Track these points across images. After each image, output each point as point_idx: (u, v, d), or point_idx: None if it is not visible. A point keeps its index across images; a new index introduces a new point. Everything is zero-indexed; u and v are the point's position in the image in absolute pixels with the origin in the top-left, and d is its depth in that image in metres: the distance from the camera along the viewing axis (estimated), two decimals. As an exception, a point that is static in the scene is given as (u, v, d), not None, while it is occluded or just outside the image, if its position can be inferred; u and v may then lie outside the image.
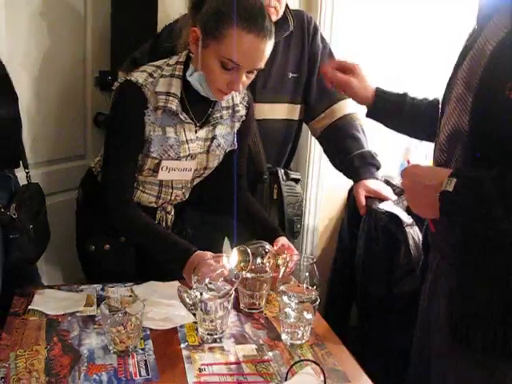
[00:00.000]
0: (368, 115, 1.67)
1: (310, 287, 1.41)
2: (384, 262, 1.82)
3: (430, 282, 1.33)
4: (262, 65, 1.47)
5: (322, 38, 2.03)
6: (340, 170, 2.05)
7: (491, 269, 1.10)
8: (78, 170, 2.01)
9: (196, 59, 1.50)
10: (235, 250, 1.48)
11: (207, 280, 1.39)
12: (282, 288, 1.39)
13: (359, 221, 1.96)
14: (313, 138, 2.20)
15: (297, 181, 2.14)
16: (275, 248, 1.56)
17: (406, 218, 1.76)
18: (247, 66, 1.44)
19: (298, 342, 1.35)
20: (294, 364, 1.17)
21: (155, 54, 1.83)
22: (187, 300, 1.38)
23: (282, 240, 1.62)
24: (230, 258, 1.44)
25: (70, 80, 2.36)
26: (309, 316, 1.35)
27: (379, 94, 1.62)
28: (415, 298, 1.66)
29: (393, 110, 1.60)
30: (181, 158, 1.63)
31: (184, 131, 1.61)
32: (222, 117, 1.65)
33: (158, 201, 1.73)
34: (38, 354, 1.25)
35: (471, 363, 1.16)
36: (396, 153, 2.48)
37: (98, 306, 1.46)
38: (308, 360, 1.21)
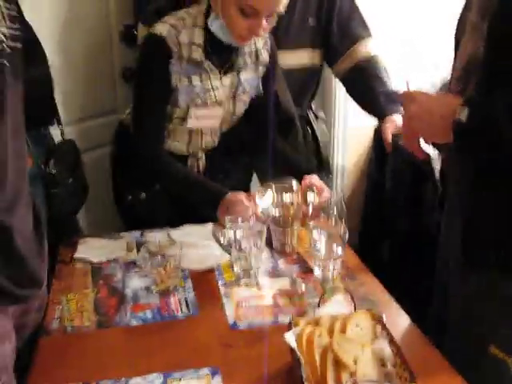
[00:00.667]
0: None
1: (338, 221, 1.44)
2: (411, 196, 1.85)
3: (446, 212, 1.35)
4: (280, 8, 1.49)
5: None
6: (365, 109, 2.05)
7: (503, 195, 1.10)
8: (110, 126, 2.05)
9: (216, 8, 1.53)
10: (263, 188, 1.54)
11: (240, 220, 1.45)
12: (311, 224, 1.44)
13: (386, 157, 1.99)
14: (337, 79, 2.21)
15: (323, 121, 2.18)
16: (304, 184, 1.61)
17: (432, 152, 1.76)
18: (266, 10, 1.46)
19: (330, 275, 1.39)
20: (325, 293, 1.22)
21: (178, 2, 1.84)
22: (222, 240, 1.44)
23: (312, 177, 1.65)
24: (264, 197, 1.50)
25: (95, 36, 2.38)
26: (339, 249, 1.39)
27: None
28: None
29: None
30: (208, 105, 1.67)
31: (209, 79, 1.64)
32: (245, 62, 1.68)
33: (189, 148, 1.78)
34: (87, 296, 1.34)
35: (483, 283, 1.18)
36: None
37: (138, 251, 1.53)
38: (337, 287, 1.26)
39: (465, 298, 1.20)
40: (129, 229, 1.79)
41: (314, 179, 1.64)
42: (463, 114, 1.03)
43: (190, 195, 1.64)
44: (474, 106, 1.03)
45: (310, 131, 2.13)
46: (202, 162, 1.83)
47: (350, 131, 2.50)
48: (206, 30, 1.58)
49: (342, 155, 2.53)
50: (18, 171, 1.02)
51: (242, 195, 1.53)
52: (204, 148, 1.81)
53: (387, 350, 1.00)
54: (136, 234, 1.65)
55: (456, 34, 1.26)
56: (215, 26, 1.56)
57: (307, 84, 2.10)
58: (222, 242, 1.44)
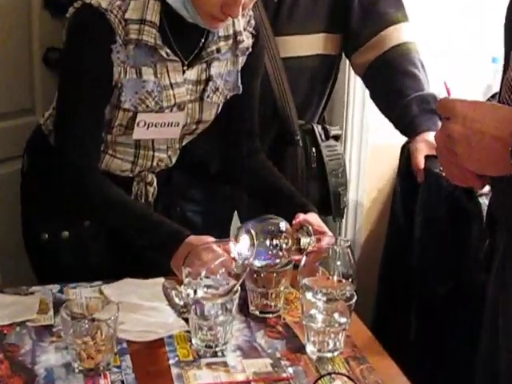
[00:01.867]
0: None
1: (343, 280, 1.50)
2: (450, 245, 1.94)
3: (497, 268, 1.41)
4: None
5: None
6: (391, 121, 2.15)
7: None
8: (24, 130, 2.09)
9: None
10: (239, 230, 1.59)
11: (204, 273, 1.49)
12: (305, 282, 1.49)
13: (417, 190, 2.05)
14: (352, 78, 2.35)
15: (337, 138, 2.27)
16: (295, 224, 1.66)
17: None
18: None
19: (329, 355, 1.45)
20: (320, 377, 1.27)
21: None
22: (177, 301, 1.47)
23: (309, 215, 1.71)
24: (239, 243, 1.55)
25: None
26: (342, 319, 1.45)
27: None
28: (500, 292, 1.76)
29: None
30: (164, 108, 1.72)
31: (167, 72, 1.69)
32: (218, 50, 1.73)
33: (134, 168, 1.83)
34: None
35: None
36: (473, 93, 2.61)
37: (56, 312, 1.57)
38: (340, 373, 1.31)
39: None
40: (43, 280, 1.83)
41: (310, 218, 1.70)
42: None
43: (134, 235, 1.68)
44: None
45: (314, 152, 2.20)
46: (152, 188, 1.88)
47: (368, 153, 2.62)
48: (164, 4, 1.63)
49: (356, 187, 2.64)
50: None
51: (208, 239, 1.57)
52: (156, 168, 1.87)
53: None
54: (53, 288, 1.69)
55: (508, 26, 1.33)
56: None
57: (318, 82, 2.21)
58: (176, 304, 1.48)
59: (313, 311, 1.46)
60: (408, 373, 1.43)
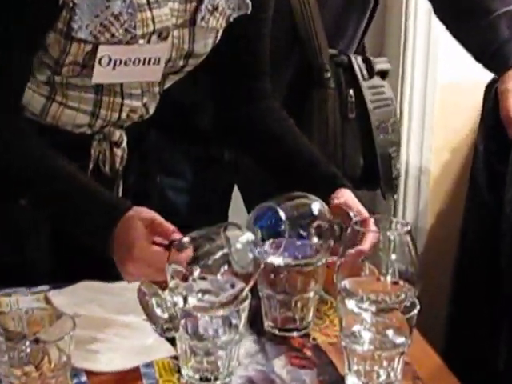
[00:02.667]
0: None
1: (400, 281, 1.52)
2: None
3: None
4: None
5: None
6: (469, 49, 2.18)
7: None
8: None
9: None
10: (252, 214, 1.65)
11: (197, 272, 1.51)
12: (345, 285, 1.51)
13: (508, 149, 2.08)
14: None
15: (385, 75, 2.31)
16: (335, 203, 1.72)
17: None
18: None
19: None
20: None
21: None
22: (159, 312, 1.49)
23: (344, 194, 1.76)
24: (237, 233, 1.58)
25: None
26: (399, 339, 1.47)
27: None
28: None
29: None
30: (137, 38, 1.74)
31: None
32: None
33: (94, 122, 1.87)
34: None
35: None
36: None
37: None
38: None
39: None
40: None
41: (349, 197, 1.77)
42: None
43: (64, 217, 1.72)
44: None
45: (353, 96, 2.24)
46: (120, 150, 1.93)
47: (435, 96, 2.64)
48: None
49: (419, 146, 2.67)
50: None
51: (151, 215, 1.62)
52: (126, 121, 1.92)
53: None
54: None
55: None
56: None
57: None
58: (158, 318, 1.49)
59: (357, 327, 1.48)
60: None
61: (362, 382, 1.49)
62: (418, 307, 1.50)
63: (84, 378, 1.50)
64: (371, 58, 2.31)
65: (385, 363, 1.47)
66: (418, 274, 1.54)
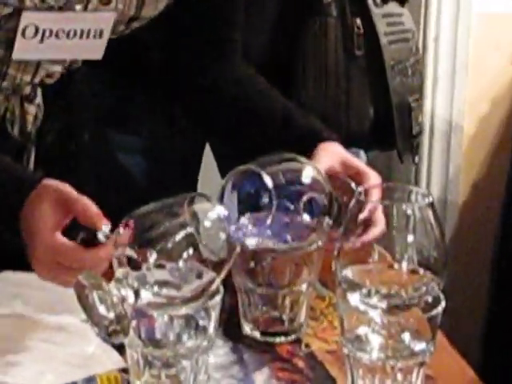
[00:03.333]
0: None
1: (420, 269, 1.56)
2: None
3: None
4: None
5: None
6: None
7: None
8: None
9: None
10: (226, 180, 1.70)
11: (153, 257, 1.55)
12: (347, 274, 1.55)
13: None
14: None
15: (403, 1, 2.36)
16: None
17: None
18: None
19: None
20: None
21: None
22: (102, 311, 1.53)
23: (334, 149, 1.84)
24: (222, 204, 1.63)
25: None
26: (419, 345, 1.52)
27: None
28: None
29: None
30: (73, 2, 1.81)
31: None
32: None
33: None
34: None
35: None
36: None
37: None
38: None
39: None
40: None
41: (342, 153, 1.86)
42: None
43: None
44: None
45: (361, 27, 2.30)
46: (33, 109, 2.00)
47: (470, 29, 2.69)
48: None
49: (449, 97, 2.71)
50: None
51: (65, 191, 1.67)
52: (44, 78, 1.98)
53: None
54: None
55: None
56: None
57: None
58: (102, 318, 1.54)
59: (363, 330, 1.53)
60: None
61: None
62: (444, 304, 1.53)
63: None
64: None
65: (400, 377, 1.51)
66: (443, 259, 1.57)
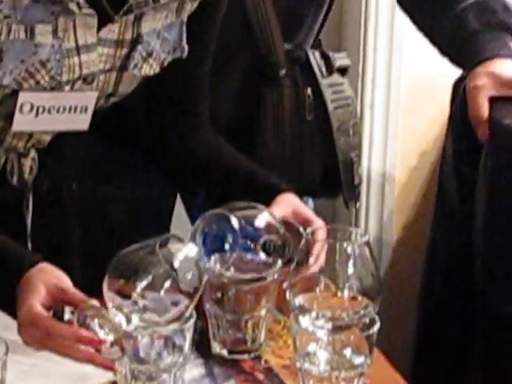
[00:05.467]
0: None
1: (359, 296, 1.62)
2: None
3: None
4: None
5: None
6: (434, 42, 2.27)
7: None
8: None
9: None
10: (197, 225, 1.75)
11: (140, 286, 1.59)
12: (299, 301, 1.61)
13: (478, 152, 2.15)
14: None
15: (345, 72, 2.40)
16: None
17: None
18: None
19: None
20: None
21: None
22: (102, 335, 1.57)
23: (288, 200, 1.87)
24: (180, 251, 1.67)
25: None
26: (358, 358, 1.57)
27: None
28: None
29: None
30: (62, 84, 1.86)
31: (74, 29, 1.81)
32: None
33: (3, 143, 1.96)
34: None
35: None
36: None
37: None
38: None
39: None
40: None
41: (294, 202, 1.89)
42: None
43: None
44: None
45: (311, 97, 2.33)
46: (29, 162, 2.02)
47: (401, 93, 2.74)
48: None
49: (383, 150, 2.77)
50: None
51: (44, 283, 1.63)
52: (39, 144, 2.02)
53: None
54: None
55: None
56: None
57: None
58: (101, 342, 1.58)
59: (312, 347, 1.58)
60: None
61: None
62: (379, 324, 1.58)
63: None
64: (329, 53, 2.38)
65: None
66: (378, 287, 1.62)
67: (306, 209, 1.89)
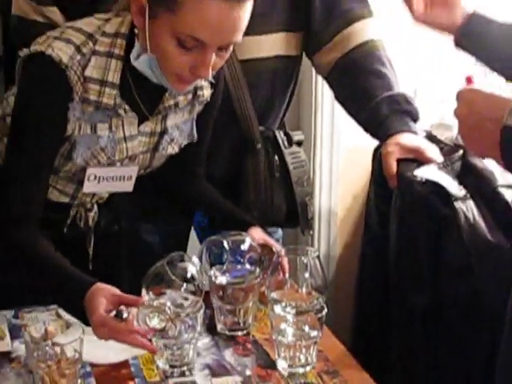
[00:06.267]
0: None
1: (312, 292, 1.77)
2: (426, 255, 2.13)
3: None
4: (238, 37, 1.72)
5: None
6: (360, 124, 2.33)
7: None
8: None
9: (143, 36, 1.72)
10: (204, 245, 1.92)
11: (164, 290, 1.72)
12: (273, 296, 1.75)
13: (391, 196, 2.22)
14: (319, 79, 2.54)
15: (300, 144, 2.44)
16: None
17: (457, 189, 2.05)
18: (215, 41, 1.68)
19: (301, 370, 1.70)
20: None
21: None
22: (153, 323, 1.66)
23: (256, 231, 2.00)
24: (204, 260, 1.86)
25: None
26: (313, 332, 1.70)
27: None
28: (478, 304, 2.02)
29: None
30: (115, 162, 1.93)
31: (122, 126, 1.89)
32: (177, 105, 1.94)
33: (72, 201, 2.06)
34: None
35: None
36: (447, 94, 2.71)
37: (13, 339, 1.81)
38: None
39: None
40: None
41: (258, 233, 2.01)
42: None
43: (49, 287, 1.84)
44: None
45: (277, 160, 2.37)
46: (92, 214, 2.14)
47: (339, 158, 2.81)
48: (127, 64, 1.79)
49: (329, 194, 2.85)
50: None
51: (98, 295, 1.69)
52: (99, 200, 2.13)
53: None
54: (7, 313, 1.92)
55: None
56: (141, 61, 1.76)
57: (278, 85, 2.39)
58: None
59: (282, 325, 1.70)
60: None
61: (288, 364, 1.70)
62: (326, 310, 1.72)
63: (89, 369, 1.71)
64: (290, 132, 2.41)
65: (303, 350, 1.69)
66: (325, 286, 1.77)
67: (269, 237, 2.01)
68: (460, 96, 1.50)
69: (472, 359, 2.06)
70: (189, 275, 1.74)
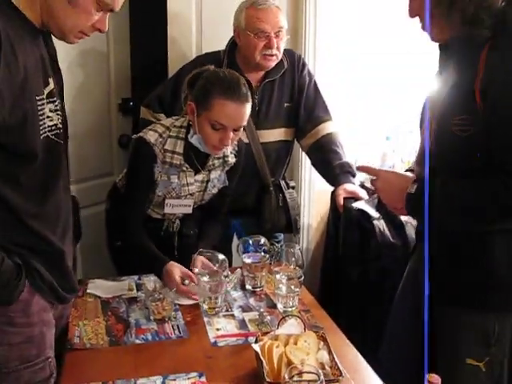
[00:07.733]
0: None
1: (297, 268, 1.85)
2: (358, 248, 2.20)
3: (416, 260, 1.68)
4: (243, 123, 1.80)
5: (309, 73, 2.36)
6: (324, 178, 2.38)
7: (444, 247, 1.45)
8: (106, 186, 2.28)
9: (194, 125, 1.84)
10: (240, 243, 1.97)
11: (197, 270, 1.80)
12: (275, 269, 1.83)
13: (339, 217, 2.25)
14: (303, 152, 2.54)
15: (293, 187, 2.49)
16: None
17: (374, 213, 2.13)
18: (232, 125, 1.79)
19: (289, 309, 1.77)
20: (283, 317, 1.59)
21: (176, 95, 2.16)
22: (196, 289, 1.77)
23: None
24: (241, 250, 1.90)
25: (97, 106, 2.70)
26: (296, 289, 1.78)
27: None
28: (384, 275, 2.06)
29: None
30: (182, 196, 1.96)
31: (185, 176, 1.94)
32: (214, 165, 1.99)
33: (163, 217, 2.08)
34: (99, 323, 1.71)
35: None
36: (373, 159, 2.85)
37: (138, 290, 1.90)
38: (293, 315, 1.62)
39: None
40: (119, 270, 2.10)
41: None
42: (413, 188, 1.43)
43: (141, 264, 1.94)
44: (420, 182, 1.41)
45: (281, 196, 2.40)
46: (175, 224, 2.11)
47: (314, 195, 2.81)
48: (187, 142, 1.89)
49: (308, 215, 2.84)
50: (67, 212, 1.41)
51: (174, 269, 1.78)
52: (179, 216, 2.11)
53: (326, 357, 1.41)
54: (135, 277, 2.01)
55: (420, 122, 1.58)
56: (194, 139, 1.86)
57: (281, 156, 2.40)
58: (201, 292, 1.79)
59: (280, 285, 1.77)
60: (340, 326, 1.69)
61: (283, 306, 1.76)
62: (303, 277, 1.78)
63: (177, 306, 1.78)
64: (287, 181, 2.44)
65: (291, 299, 1.76)
66: (302, 264, 1.85)
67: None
68: (379, 175, 1.53)
69: (379, 304, 2.05)
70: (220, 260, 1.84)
